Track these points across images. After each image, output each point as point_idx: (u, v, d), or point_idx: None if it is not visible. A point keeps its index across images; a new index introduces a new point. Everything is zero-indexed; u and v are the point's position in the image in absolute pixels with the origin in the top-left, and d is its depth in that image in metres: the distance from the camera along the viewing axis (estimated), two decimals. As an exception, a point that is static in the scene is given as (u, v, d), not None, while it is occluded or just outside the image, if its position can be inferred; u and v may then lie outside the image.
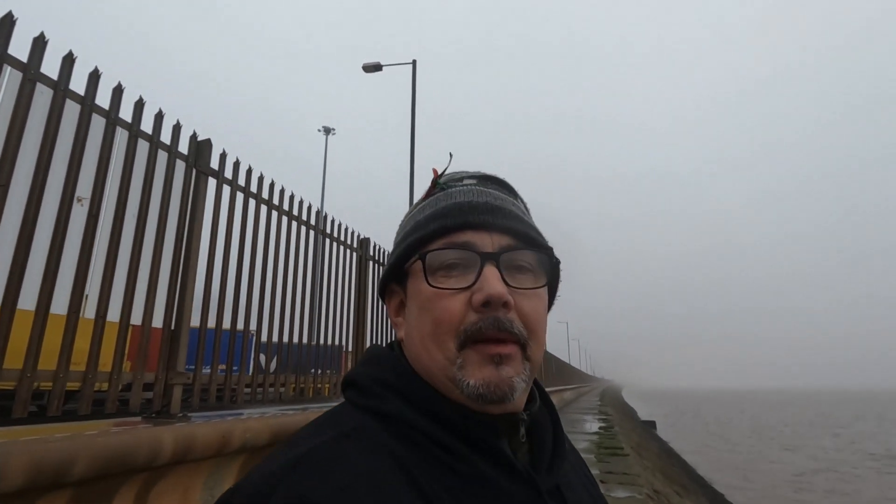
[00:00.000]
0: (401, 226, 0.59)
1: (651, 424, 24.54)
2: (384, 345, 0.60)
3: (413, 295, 0.53)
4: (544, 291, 0.54)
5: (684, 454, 16.38)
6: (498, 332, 0.48)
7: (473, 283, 0.49)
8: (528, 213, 0.60)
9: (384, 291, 0.59)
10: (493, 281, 0.48)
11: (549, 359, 20.89)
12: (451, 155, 0.61)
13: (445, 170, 0.59)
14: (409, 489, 0.42)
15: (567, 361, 36.13)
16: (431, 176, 0.59)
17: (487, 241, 0.51)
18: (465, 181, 0.58)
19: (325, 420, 0.49)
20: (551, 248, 0.55)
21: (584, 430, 10.99)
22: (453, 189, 0.56)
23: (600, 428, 11.56)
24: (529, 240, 0.53)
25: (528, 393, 0.54)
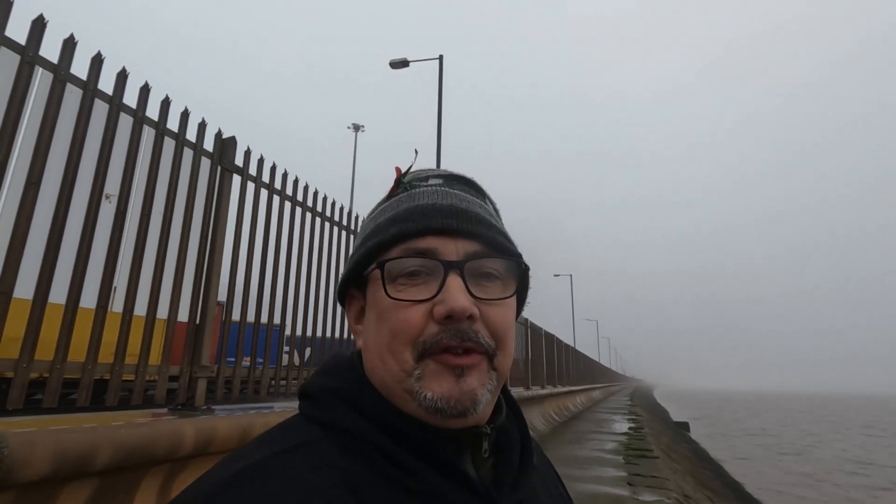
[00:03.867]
0: (362, 227, 0.57)
1: (684, 426, 23.88)
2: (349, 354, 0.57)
3: (372, 304, 0.50)
4: (513, 300, 0.51)
5: (720, 459, 15.82)
6: (462, 342, 0.45)
7: (436, 294, 0.46)
8: (498, 216, 0.57)
9: (343, 297, 0.56)
10: (455, 293, 0.45)
11: (578, 357, 20.60)
12: (416, 151, 0.58)
13: (410, 168, 0.56)
14: None
15: (596, 360, 35.55)
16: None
17: (452, 248, 0.48)
18: (431, 181, 0.55)
19: (273, 433, 0.47)
20: (520, 255, 0.52)
21: (612, 431, 10.80)
22: (417, 189, 0.53)
23: (629, 429, 11.33)
24: (497, 246, 0.50)
25: (495, 403, 0.51)
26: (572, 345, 20.44)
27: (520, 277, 0.52)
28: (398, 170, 0.55)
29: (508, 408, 0.55)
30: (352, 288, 0.55)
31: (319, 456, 0.43)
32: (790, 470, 15.02)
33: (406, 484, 0.43)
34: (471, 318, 0.46)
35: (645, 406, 25.95)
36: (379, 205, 0.56)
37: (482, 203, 0.54)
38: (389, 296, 0.47)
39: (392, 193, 0.55)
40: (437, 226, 0.48)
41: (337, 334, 3.99)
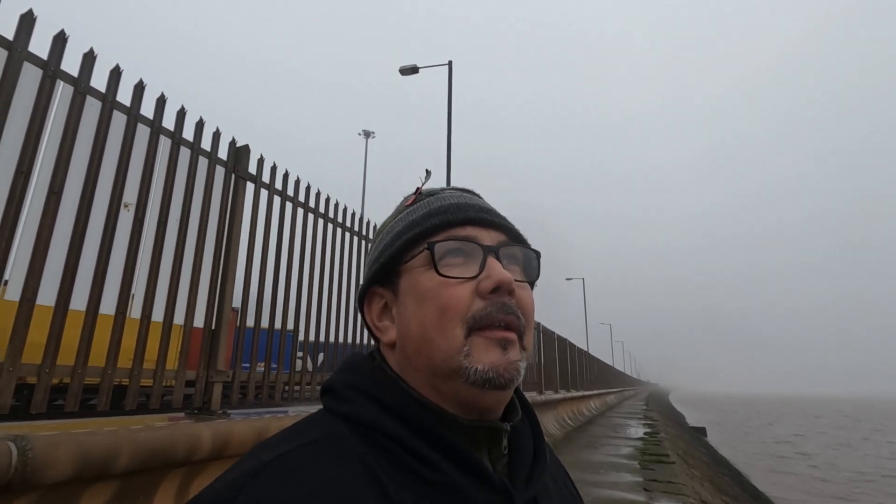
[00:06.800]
0: (383, 232, 0.60)
1: (701, 431, 23.50)
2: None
3: (409, 290, 0.53)
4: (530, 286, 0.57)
5: (738, 464, 15.51)
6: (506, 316, 0.50)
7: (478, 273, 0.51)
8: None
9: (363, 297, 0.59)
10: (500, 269, 0.51)
11: (592, 361, 20.38)
12: (428, 171, 0.64)
13: (424, 184, 0.63)
14: (375, 497, 0.41)
15: (610, 364, 35.16)
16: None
17: (487, 236, 0.54)
18: (446, 191, 0.61)
19: (298, 427, 0.49)
20: (537, 251, 0.59)
21: (627, 436, 10.66)
22: (441, 194, 0.59)
23: (645, 433, 11.19)
24: (519, 237, 0.58)
25: (509, 402, 0.54)
26: (586, 349, 20.25)
27: (536, 266, 0.58)
28: (418, 189, 0.62)
29: (521, 408, 0.57)
30: (375, 286, 0.58)
31: (343, 448, 0.45)
32: (810, 475, 14.67)
33: (426, 476, 0.45)
34: (511, 293, 0.51)
35: (661, 410, 25.60)
36: (399, 211, 0.61)
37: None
38: (441, 274, 0.51)
39: (415, 200, 0.60)
40: (474, 217, 0.55)
41: (350, 339, 4.02)
